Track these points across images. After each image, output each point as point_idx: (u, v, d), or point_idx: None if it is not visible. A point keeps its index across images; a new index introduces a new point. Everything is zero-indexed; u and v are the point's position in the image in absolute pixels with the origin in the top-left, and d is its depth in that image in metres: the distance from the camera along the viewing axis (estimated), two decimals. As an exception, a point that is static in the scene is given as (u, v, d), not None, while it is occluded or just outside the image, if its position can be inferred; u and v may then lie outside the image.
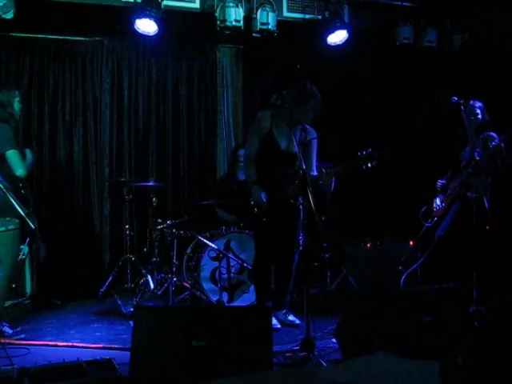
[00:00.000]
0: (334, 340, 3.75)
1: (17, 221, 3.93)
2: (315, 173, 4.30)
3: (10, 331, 4.18)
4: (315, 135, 4.40)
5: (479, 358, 1.67)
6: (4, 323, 4.22)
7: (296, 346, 3.66)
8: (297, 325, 4.39)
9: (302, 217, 4.20)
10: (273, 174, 4.27)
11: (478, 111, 4.71)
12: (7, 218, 3.91)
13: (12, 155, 3.91)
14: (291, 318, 4.48)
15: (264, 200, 4.17)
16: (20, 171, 3.92)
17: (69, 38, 6.17)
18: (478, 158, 4.53)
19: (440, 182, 5.05)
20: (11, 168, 3.91)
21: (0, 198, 3.81)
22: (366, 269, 5.62)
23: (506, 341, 1.66)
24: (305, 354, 3.47)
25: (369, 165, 3.79)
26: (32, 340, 4.04)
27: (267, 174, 4.26)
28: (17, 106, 4.19)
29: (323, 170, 4.12)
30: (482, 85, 6.01)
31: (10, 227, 3.93)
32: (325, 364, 3.37)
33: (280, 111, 4.19)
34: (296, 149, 4.03)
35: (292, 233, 4.31)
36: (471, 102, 4.71)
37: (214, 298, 4.95)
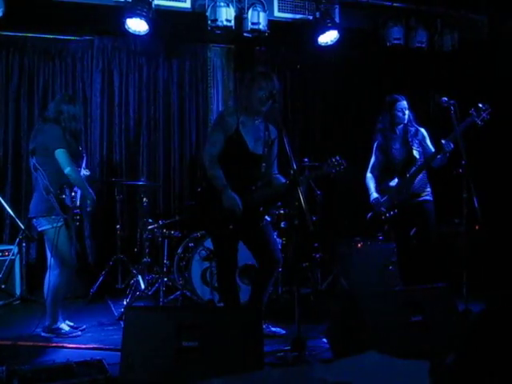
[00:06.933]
0: (324, 340, 3.76)
1: (61, 218, 4.09)
2: (276, 171, 4.16)
3: (67, 329, 4.25)
4: (276, 135, 4.13)
5: (469, 357, 1.68)
6: (61, 320, 4.29)
7: (287, 345, 3.66)
8: (282, 335, 4.12)
9: (270, 227, 4.17)
10: (240, 178, 3.91)
11: (407, 107, 4.74)
12: (52, 217, 4.07)
13: (60, 153, 4.06)
14: (274, 329, 4.21)
15: (240, 207, 3.79)
16: (67, 169, 4.05)
17: (59, 36, 6.16)
18: (418, 157, 4.66)
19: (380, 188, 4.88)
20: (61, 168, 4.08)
21: (43, 199, 4.05)
22: (356, 268, 5.64)
23: (496, 340, 1.67)
24: (296, 353, 3.46)
25: (337, 169, 3.87)
26: (22, 341, 4.01)
27: (234, 177, 3.89)
28: (81, 120, 4.43)
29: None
30: (471, 85, 6.05)
31: (55, 225, 4.08)
32: (316, 364, 3.37)
33: (242, 104, 4.04)
34: (261, 150, 3.99)
35: (265, 242, 4.02)
36: (397, 96, 4.74)
37: (205, 298, 4.95)
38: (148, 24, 5.29)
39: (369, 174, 4.94)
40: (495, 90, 5.87)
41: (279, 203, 5.36)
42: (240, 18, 5.55)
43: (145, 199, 5.52)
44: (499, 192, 5.81)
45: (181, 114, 6.60)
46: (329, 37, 5.78)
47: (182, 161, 6.59)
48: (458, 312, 3.63)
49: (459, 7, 6.22)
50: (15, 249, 5.36)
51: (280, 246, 5.26)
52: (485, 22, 6.46)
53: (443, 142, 4.41)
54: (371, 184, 4.90)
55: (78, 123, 4.26)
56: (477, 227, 4.37)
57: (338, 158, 3.90)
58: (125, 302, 5.19)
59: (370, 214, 4.86)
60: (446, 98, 4.44)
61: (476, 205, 4.30)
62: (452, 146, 4.39)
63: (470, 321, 3.86)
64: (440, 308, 3.42)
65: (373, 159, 4.93)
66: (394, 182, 4.72)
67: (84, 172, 4.41)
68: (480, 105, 4.44)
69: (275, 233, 5.24)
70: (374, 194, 4.83)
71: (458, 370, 1.69)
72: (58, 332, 4.17)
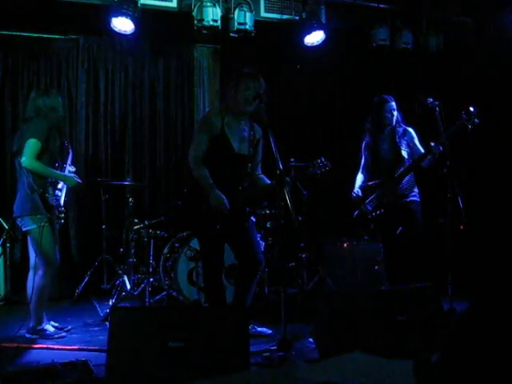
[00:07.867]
0: (311, 340, 3.77)
1: (46, 218, 4.05)
2: (260, 171, 4.19)
3: (52, 330, 4.21)
4: (261, 134, 4.16)
5: (454, 356, 1.69)
6: (46, 321, 4.24)
7: (273, 345, 3.66)
8: (268, 335, 4.12)
9: (254, 228, 4.18)
10: (227, 178, 3.91)
11: (395, 108, 4.78)
12: (38, 216, 4.02)
13: (29, 143, 3.98)
14: (260, 329, 4.20)
15: (228, 206, 3.79)
16: (23, 159, 3.98)
17: (44, 35, 6.10)
18: (406, 157, 4.71)
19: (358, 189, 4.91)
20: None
21: (28, 198, 4.00)
22: (342, 268, 5.66)
23: (481, 339, 1.69)
24: (282, 353, 3.47)
25: (322, 170, 3.96)
26: (5, 342, 3.97)
27: (220, 177, 3.87)
28: (62, 109, 4.36)
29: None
30: (456, 86, 6.09)
31: (40, 224, 4.03)
32: (302, 364, 3.38)
33: (228, 104, 4.06)
34: (247, 150, 4.00)
35: (248, 242, 4.03)
36: (385, 97, 4.79)
37: (191, 299, 4.94)
38: (134, 23, 5.27)
39: (359, 174, 4.98)
40: (480, 91, 5.92)
41: (265, 203, 5.37)
42: (226, 18, 5.54)
43: (131, 199, 5.50)
44: (484, 192, 5.86)
45: (167, 114, 6.58)
46: (315, 37, 5.79)
47: (168, 160, 6.58)
48: (443, 311, 3.66)
49: (444, 8, 6.26)
50: (-1, 249, 5.31)
51: (265, 247, 5.27)
52: (469, 23, 6.52)
53: (432, 144, 4.44)
54: (357, 182, 4.94)
55: (57, 113, 4.20)
56: (461, 227, 4.40)
57: (323, 159, 3.97)
58: (110, 303, 5.17)
59: (356, 213, 4.88)
60: (431, 99, 4.47)
61: (461, 205, 4.34)
62: (441, 148, 4.42)
63: (454, 320, 3.89)
64: (425, 307, 3.45)
65: (362, 160, 4.97)
66: (381, 182, 4.74)
67: (69, 168, 4.37)
68: (471, 109, 4.43)
69: (261, 233, 5.25)
70: (355, 190, 4.89)
71: (443, 369, 1.70)
72: (42, 333, 4.14)
